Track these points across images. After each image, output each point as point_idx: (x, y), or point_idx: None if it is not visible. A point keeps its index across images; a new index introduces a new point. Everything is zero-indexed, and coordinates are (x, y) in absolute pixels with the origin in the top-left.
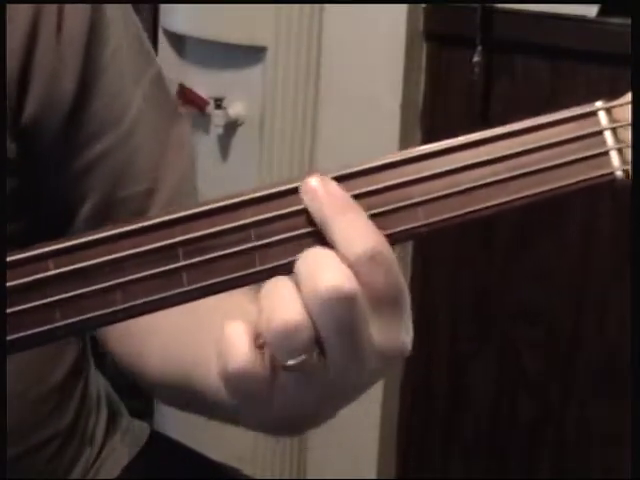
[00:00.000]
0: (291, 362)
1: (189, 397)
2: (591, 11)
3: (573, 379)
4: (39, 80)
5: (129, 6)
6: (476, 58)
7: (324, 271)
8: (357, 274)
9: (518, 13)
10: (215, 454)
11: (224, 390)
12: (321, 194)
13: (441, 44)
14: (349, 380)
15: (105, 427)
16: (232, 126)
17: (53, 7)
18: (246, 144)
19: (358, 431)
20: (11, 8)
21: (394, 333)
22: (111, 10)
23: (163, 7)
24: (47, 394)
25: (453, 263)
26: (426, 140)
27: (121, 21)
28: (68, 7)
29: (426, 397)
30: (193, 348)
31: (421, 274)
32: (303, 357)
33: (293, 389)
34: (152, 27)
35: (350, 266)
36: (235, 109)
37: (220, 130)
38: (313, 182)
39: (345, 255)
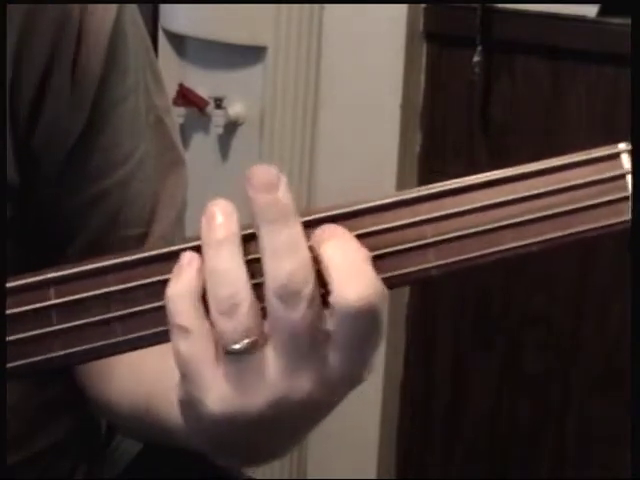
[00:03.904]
0: (235, 346)
1: (148, 421)
2: (591, 11)
3: (573, 380)
4: (50, 114)
5: (144, 28)
6: (476, 58)
7: (304, 284)
8: (342, 314)
9: (518, 13)
10: None
11: (179, 409)
12: (325, 233)
13: (441, 44)
14: (294, 390)
15: (106, 429)
16: (232, 126)
17: (71, 41)
18: (246, 144)
19: (358, 431)
20: (29, 40)
21: (355, 364)
22: (132, 39)
23: (163, 7)
24: (46, 402)
25: None
26: (426, 140)
27: (140, 52)
28: (86, 41)
29: (426, 397)
30: (159, 370)
31: None
32: (246, 342)
33: (233, 378)
34: (152, 27)
35: (336, 306)
36: (235, 109)
37: (220, 130)
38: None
39: (336, 295)
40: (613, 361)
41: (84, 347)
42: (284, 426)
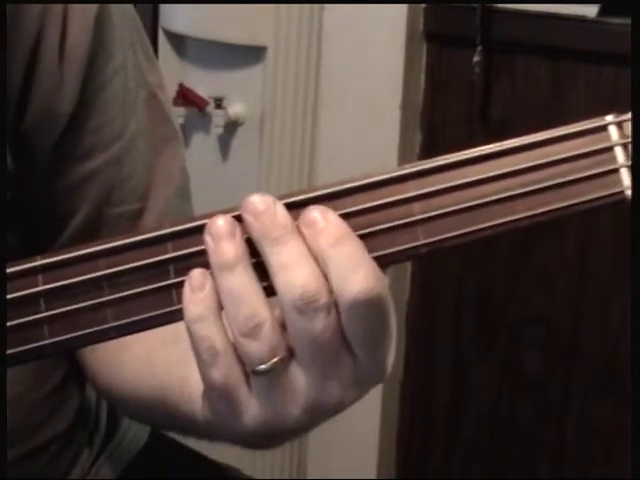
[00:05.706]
0: (262, 366)
1: (162, 412)
2: (591, 11)
3: (573, 379)
4: (39, 97)
5: (132, 7)
6: (476, 58)
7: (310, 288)
8: (349, 309)
9: (518, 13)
10: (215, 454)
11: (200, 401)
12: (320, 226)
13: (441, 44)
14: (327, 396)
15: (105, 427)
16: (232, 126)
17: (57, 23)
18: (246, 144)
19: (358, 431)
20: (15, 25)
21: (376, 360)
22: (118, 18)
23: (163, 7)
24: (45, 397)
25: (455, 267)
26: (426, 140)
27: (128, 30)
28: (72, 23)
29: (426, 397)
30: (170, 361)
31: (423, 277)
32: (272, 361)
33: (266, 396)
34: (152, 27)
35: (342, 302)
36: (235, 109)
37: (220, 130)
38: (314, 214)
39: (339, 291)
40: (613, 361)
41: (75, 333)
42: (318, 424)
